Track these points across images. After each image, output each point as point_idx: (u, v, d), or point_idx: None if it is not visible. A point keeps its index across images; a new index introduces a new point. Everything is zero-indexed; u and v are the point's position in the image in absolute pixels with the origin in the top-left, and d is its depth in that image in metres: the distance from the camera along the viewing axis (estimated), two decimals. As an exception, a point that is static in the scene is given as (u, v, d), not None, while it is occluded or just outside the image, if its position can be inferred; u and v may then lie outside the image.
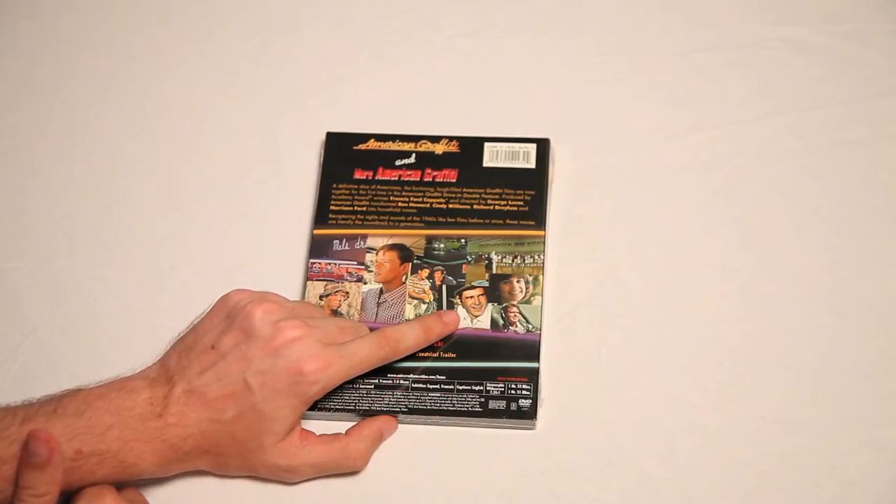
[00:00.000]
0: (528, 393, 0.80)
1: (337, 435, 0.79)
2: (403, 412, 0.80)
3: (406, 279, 0.85)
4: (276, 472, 0.77)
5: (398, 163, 0.89)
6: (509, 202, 0.87)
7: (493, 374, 0.81)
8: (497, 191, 0.87)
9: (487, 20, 0.98)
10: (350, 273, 0.85)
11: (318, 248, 0.86)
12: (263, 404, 0.75)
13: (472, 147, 0.89)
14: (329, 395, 0.78)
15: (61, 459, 0.70)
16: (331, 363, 0.76)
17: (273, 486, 0.78)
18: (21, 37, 1.00)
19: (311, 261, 0.86)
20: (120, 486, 0.74)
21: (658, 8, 0.97)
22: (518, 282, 0.84)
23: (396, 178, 0.88)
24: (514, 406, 0.80)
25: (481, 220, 0.86)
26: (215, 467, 0.77)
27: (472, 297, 0.84)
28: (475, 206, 0.87)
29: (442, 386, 0.81)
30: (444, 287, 0.85)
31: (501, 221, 0.86)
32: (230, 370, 0.75)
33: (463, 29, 0.97)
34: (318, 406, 0.79)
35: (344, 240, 0.87)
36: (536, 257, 0.85)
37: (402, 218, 0.87)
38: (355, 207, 0.88)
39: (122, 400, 0.74)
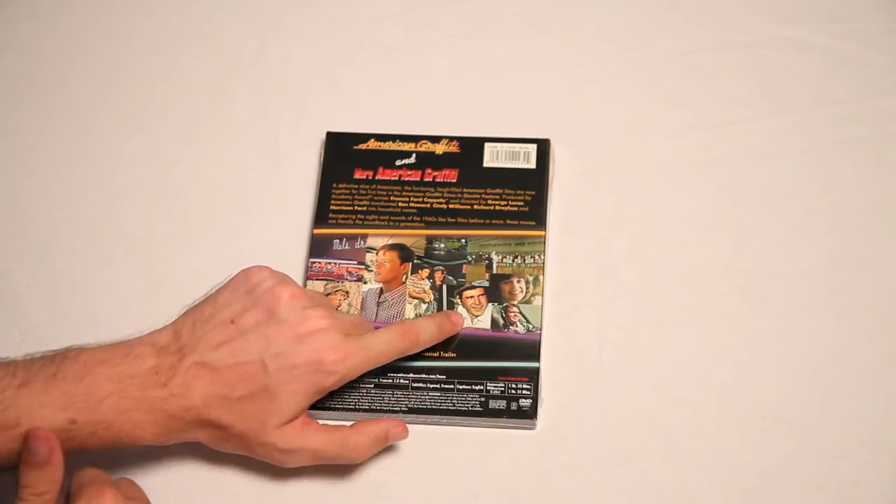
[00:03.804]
0: (528, 393, 0.80)
1: (340, 426, 0.78)
2: (403, 412, 0.80)
3: (406, 279, 0.85)
4: (271, 455, 0.76)
5: (398, 163, 0.89)
6: (509, 202, 0.87)
7: (493, 374, 0.81)
8: (497, 191, 0.87)
9: (487, 20, 0.98)
10: (350, 273, 0.85)
11: (318, 247, 0.86)
12: (277, 387, 0.74)
13: (472, 147, 0.89)
14: (329, 394, 0.78)
15: (61, 458, 0.69)
16: (350, 354, 0.76)
17: (272, 483, 0.78)
18: (21, 37, 1.00)
19: (311, 260, 0.86)
20: (117, 479, 0.73)
21: (658, 8, 0.97)
22: (518, 282, 0.84)
23: (396, 178, 0.88)
24: (514, 406, 0.80)
25: (481, 221, 0.86)
26: (211, 441, 0.76)
27: (472, 297, 0.84)
28: (475, 207, 0.87)
29: (442, 385, 0.81)
30: (444, 287, 0.84)
31: (502, 221, 0.86)
32: (248, 348, 0.75)
33: (463, 29, 0.97)
34: (318, 405, 0.79)
35: (344, 239, 0.87)
36: (537, 257, 0.85)
37: (403, 218, 0.87)
38: (355, 207, 0.87)
39: (125, 367, 0.73)
